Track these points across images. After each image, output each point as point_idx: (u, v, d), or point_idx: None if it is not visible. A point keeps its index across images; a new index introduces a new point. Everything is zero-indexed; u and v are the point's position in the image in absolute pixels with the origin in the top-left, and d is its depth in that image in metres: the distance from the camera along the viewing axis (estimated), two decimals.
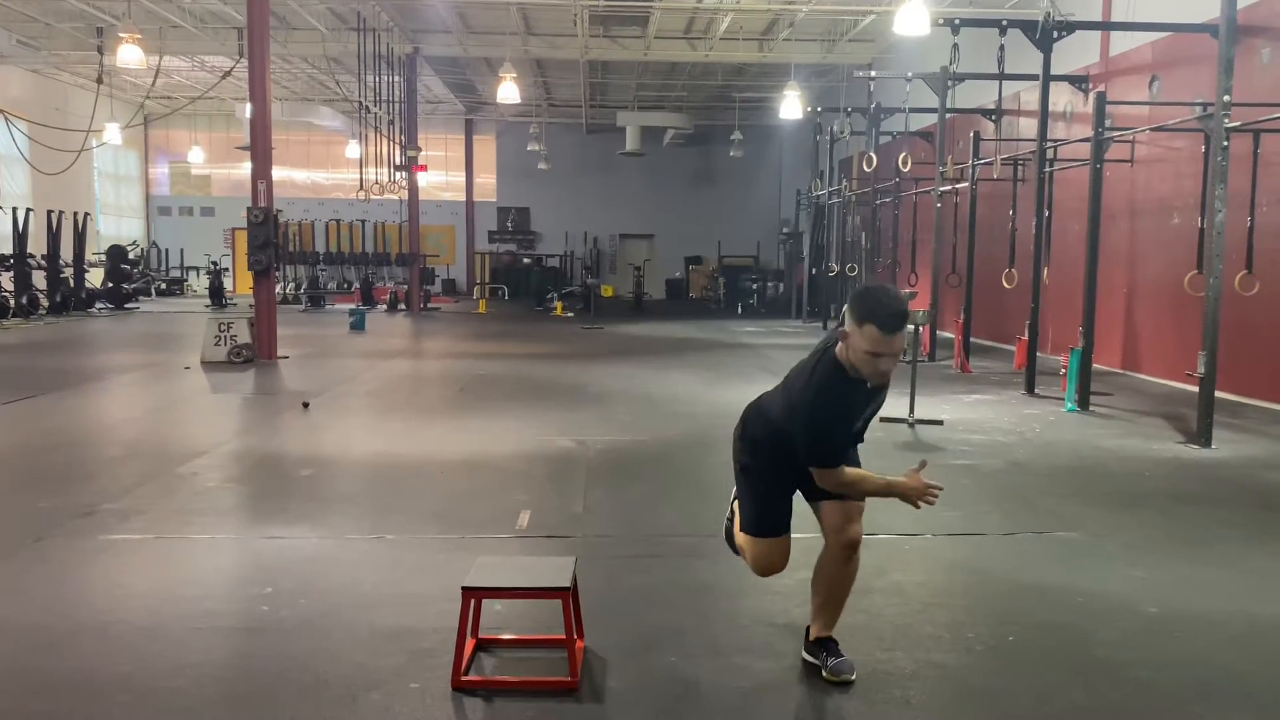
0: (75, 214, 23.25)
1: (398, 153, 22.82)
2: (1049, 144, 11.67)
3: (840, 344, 3.39)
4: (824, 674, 3.60)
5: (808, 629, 3.78)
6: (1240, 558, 5.23)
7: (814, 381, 3.42)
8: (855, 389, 3.43)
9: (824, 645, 3.67)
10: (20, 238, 21.13)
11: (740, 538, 3.85)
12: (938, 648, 3.93)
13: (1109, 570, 4.93)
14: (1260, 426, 9.16)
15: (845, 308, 3.39)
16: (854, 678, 3.57)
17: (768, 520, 3.72)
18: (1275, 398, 10.22)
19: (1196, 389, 8.40)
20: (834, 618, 3.72)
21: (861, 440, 3.78)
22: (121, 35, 16.97)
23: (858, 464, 3.65)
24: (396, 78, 22.77)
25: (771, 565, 3.75)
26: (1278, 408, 10.09)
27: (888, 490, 3.47)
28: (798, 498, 3.72)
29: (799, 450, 3.48)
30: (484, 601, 3.77)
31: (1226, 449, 8.03)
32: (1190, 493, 6.69)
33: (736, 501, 3.95)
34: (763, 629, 4.10)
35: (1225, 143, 8.14)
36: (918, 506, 3.47)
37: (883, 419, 9.04)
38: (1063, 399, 10.19)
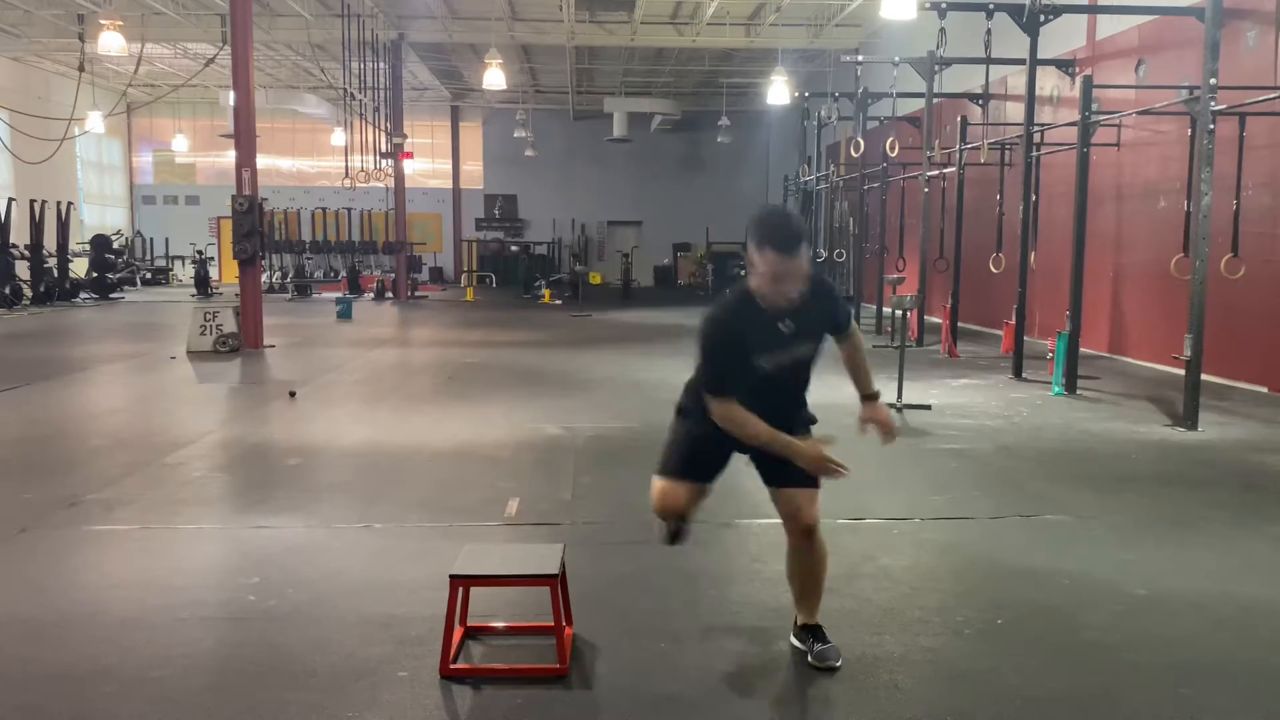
0: (59, 203, 23.09)
1: (383, 140, 22.71)
2: (1036, 128, 11.66)
3: (750, 274, 3.39)
4: (810, 660, 3.60)
5: (795, 615, 3.78)
6: (1227, 540, 5.26)
7: (716, 303, 3.45)
8: (758, 314, 3.37)
9: (810, 632, 3.67)
10: (3, 228, 20.99)
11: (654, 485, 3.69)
12: (926, 631, 3.93)
13: (1097, 553, 4.95)
14: (1246, 409, 9.20)
15: (746, 236, 3.34)
16: (839, 664, 3.57)
17: (676, 462, 3.61)
18: (1261, 380, 10.27)
19: (1183, 372, 8.42)
20: (814, 605, 3.71)
21: (798, 404, 3.62)
22: (103, 22, 16.84)
23: (787, 417, 3.48)
24: (382, 64, 22.63)
25: (672, 507, 3.59)
26: (1263, 390, 10.14)
27: (783, 448, 3.36)
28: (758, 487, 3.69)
29: (696, 370, 3.49)
30: (472, 589, 3.76)
31: (1213, 431, 8.06)
32: (1177, 475, 6.72)
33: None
34: (751, 615, 4.10)
35: (1211, 126, 8.14)
36: (815, 479, 3.45)
37: None
38: (1050, 383, 10.22)
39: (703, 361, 3.45)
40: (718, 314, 3.43)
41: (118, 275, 25.50)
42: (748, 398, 3.39)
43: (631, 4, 20.41)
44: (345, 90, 20.80)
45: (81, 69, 20.43)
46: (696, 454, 3.61)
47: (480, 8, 21.26)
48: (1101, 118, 10.71)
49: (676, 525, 3.61)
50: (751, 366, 3.40)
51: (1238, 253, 9.88)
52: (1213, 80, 8.10)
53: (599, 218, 34.31)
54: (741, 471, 3.70)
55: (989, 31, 12.23)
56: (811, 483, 3.54)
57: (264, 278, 19.73)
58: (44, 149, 19.13)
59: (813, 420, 3.66)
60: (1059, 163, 12.98)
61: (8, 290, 20.46)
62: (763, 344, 3.40)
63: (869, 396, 3.72)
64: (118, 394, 10.54)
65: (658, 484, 3.63)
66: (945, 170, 14.95)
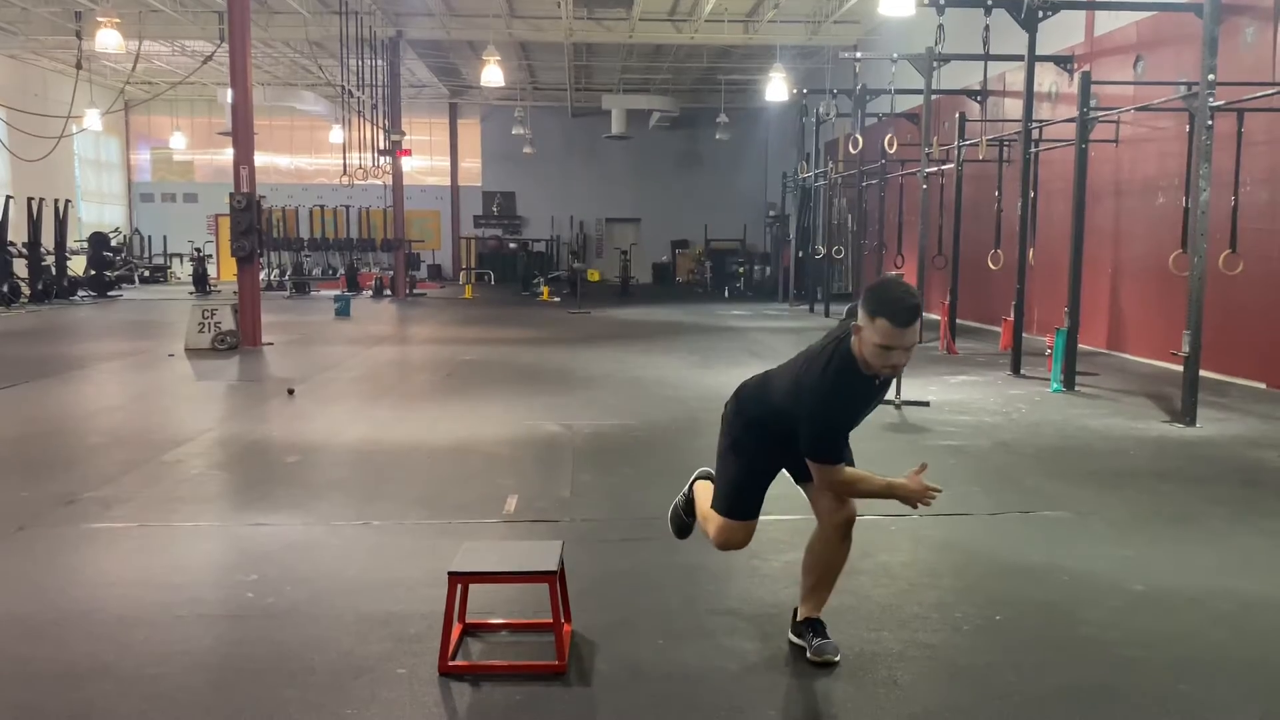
0: (56, 201, 23.06)
1: (381, 137, 22.68)
2: (1034, 124, 11.65)
3: (854, 337, 3.36)
4: (809, 655, 3.60)
5: (795, 610, 3.78)
6: (1226, 535, 5.26)
7: (830, 371, 3.37)
8: (865, 383, 3.41)
9: (810, 626, 3.68)
10: (1, 226, 20.94)
11: (708, 513, 3.81)
12: (925, 628, 3.93)
13: (1096, 549, 4.95)
14: (1244, 405, 9.21)
15: (859, 301, 3.37)
16: (838, 659, 3.57)
17: (745, 503, 3.70)
18: (1259, 376, 10.28)
19: (1181, 368, 8.42)
20: (823, 599, 3.72)
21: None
22: (100, 20, 16.80)
23: (852, 462, 3.62)
24: (380, 61, 22.62)
25: (735, 544, 3.76)
26: (1262, 386, 10.14)
27: (888, 492, 3.44)
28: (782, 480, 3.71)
29: (802, 439, 3.43)
30: (471, 586, 3.75)
31: (1211, 427, 8.06)
32: (1176, 471, 6.72)
33: (700, 482, 3.97)
34: (750, 611, 4.10)
35: (1209, 122, 8.14)
36: (915, 508, 3.47)
37: None
38: (1048, 379, 10.22)
39: (820, 433, 3.43)
40: (836, 391, 3.38)
41: (116, 273, 25.48)
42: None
43: (630, 1, 20.38)
44: (343, 87, 20.77)
45: (79, 66, 20.39)
46: (760, 488, 3.70)
47: (478, 5, 21.23)
48: (1100, 114, 10.72)
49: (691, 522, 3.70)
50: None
51: (1236, 248, 9.88)
52: (1211, 76, 8.10)
53: (597, 215, 34.30)
54: None
55: (987, 28, 12.21)
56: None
57: (262, 275, 19.74)
58: (42, 147, 19.10)
59: None
60: (1057, 159, 12.98)
61: (6, 288, 20.44)
62: (863, 409, 3.52)
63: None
64: (116, 392, 10.54)
65: (719, 521, 3.72)
66: (944, 167, 14.95)
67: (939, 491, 3.42)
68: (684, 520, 4.12)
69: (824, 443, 3.42)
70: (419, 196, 31.81)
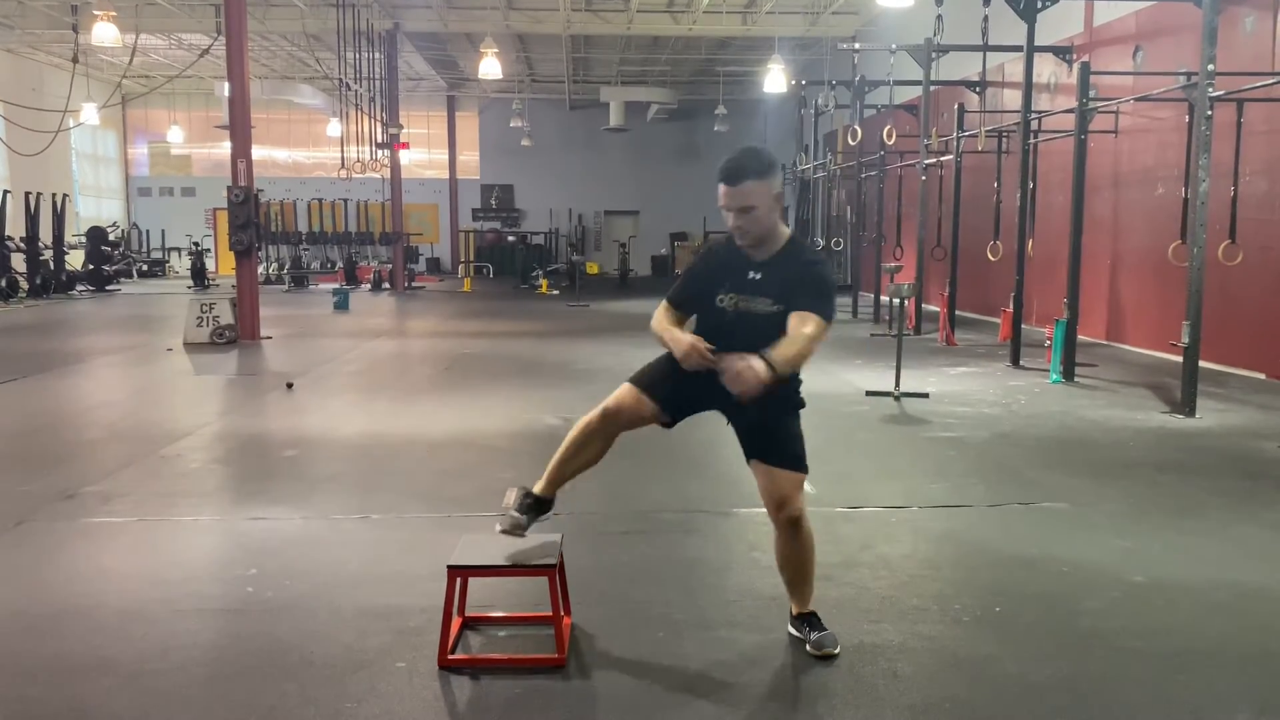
0: (54, 196, 23.00)
1: (379, 130, 22.64)
2: (1033, 115, 11.63)
3: None
4: (808, 648, 3.60)
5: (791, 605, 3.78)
6: (1225, 526, 5.26)
7: (709, 240, 3.67)
8: (736, 256, 3.56)
9: (806, 620, 3.68)
10: None
11: None
12: (925, 619, 3.93)
13: (1095, 540, 4.95)
14: (1244, 396, 9.21)
15: None
16: (838, 651, 3.57)
17: (648, 375, 3.67)
18: (1258, 367, 10.27)
19: (1180, 359, 8.42)
20: (806, 593, 3.71)
21: (750, 346, 3.25)
22: (96, 13, 16.73)
23: (687, 314, 3.63)
24: (377, 54, 22.57)
25: (613, 403, 3.67)
26: (1261, 377, 10.14)
27: (669, 340, 3.48)
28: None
29: None
30: (470, 579, 3.75)
31: (1211, 418, 8.06)
32: (1175, 462, 6.72)
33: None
34: (750, 603, 4.10)
35: (1209, 112, 8.12)
36: (795, 460, 3.51)
37: (869, 392, 9.05)
38: (1048, 370, 10.22)
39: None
40: (701, 252, 3.73)
41: (114, 267, 25.43)
42: (712, 338, 3.40)
43: None
44: (341, 81, 20.72)
45: (75, 60, 20.29)
46: (669, 375, 3.60)
47: None
48: (1099, 104, 10.69)
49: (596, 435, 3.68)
50: (714, 303, 3.55)
51: (1235, 239, 9.87)
52: (1211, 66, 8.07)
53: (596, 207, 34.24)
54: (739, 463, 3.69)
55: (986, 18, 12.21)
56: (792, 465, 3.53)
57: (260, 269, 19.70)
58: (38, 141, 19.05)
59: (801, 404, 3.64)
60: (1056, 150, 12.96)
61: (4, 283, 20.40)
62: (729, 284, 3.54)
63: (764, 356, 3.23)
64: (114, 386, 10.53)
65: (622, 387, 3.70)
66: (942, 158, 14.93)
67: (712, 360, 3.27)
68: None
69: (675, 282, 3.74)
70: (417, 190, 31.78)
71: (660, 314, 3.61)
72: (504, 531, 3.68)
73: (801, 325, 3.34)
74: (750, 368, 3.13)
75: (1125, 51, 12.95)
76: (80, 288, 23.53)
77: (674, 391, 3.61)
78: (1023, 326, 11.34)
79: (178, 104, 31.59)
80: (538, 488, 3.76)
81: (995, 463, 6.70)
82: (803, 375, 3.59)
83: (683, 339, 3.40)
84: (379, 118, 22.68)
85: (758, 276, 3.50)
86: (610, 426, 3.68)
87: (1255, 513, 5.49)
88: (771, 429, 3.56)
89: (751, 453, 3.59)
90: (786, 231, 3.58)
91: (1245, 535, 5.09)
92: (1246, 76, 9.46)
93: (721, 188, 3.43)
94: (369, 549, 4.87)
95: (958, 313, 14.11)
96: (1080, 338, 10.63)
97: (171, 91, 28.47)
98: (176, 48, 24.66)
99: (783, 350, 3.23)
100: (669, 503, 5.65)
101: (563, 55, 26.57)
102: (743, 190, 3.41)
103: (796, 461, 3.54)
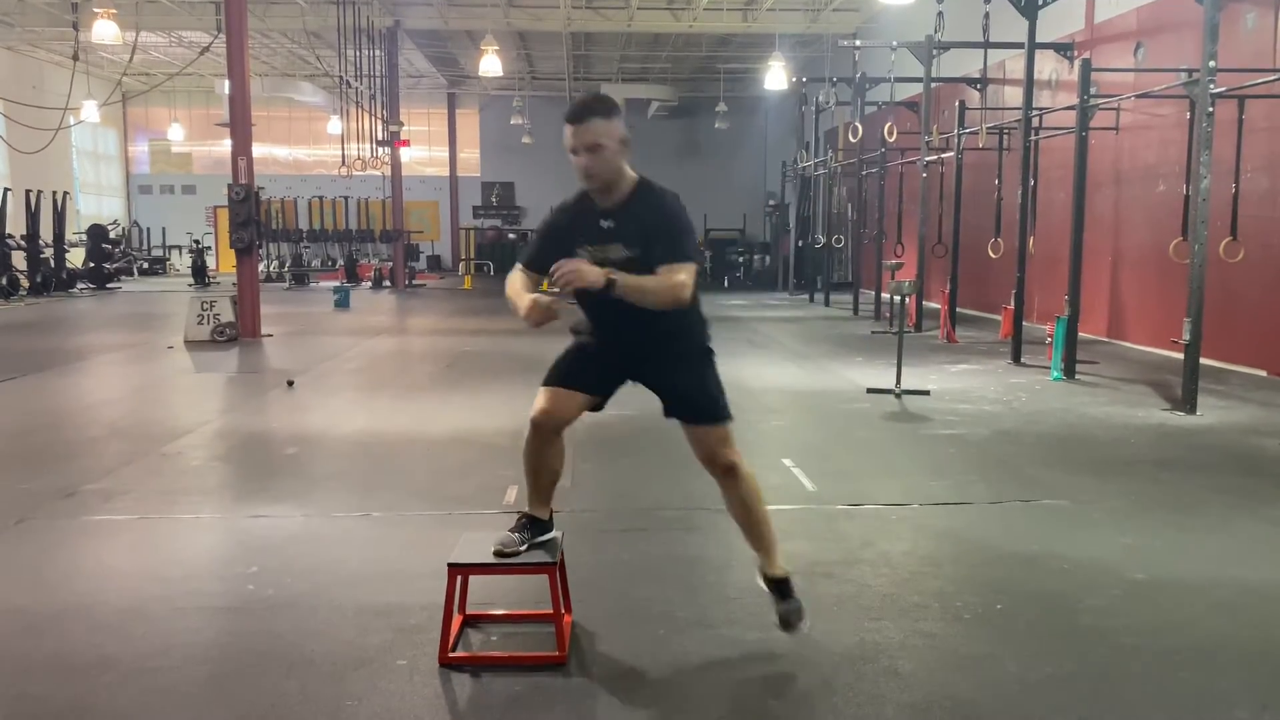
0: (54, 193, 23.00)
1: (380, 128, 22.63)
2: (1034, 112, 11.62)
3: None
4: (775, 621, 3.55)
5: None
6: (1226, 523, 5.25)
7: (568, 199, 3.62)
8: (582, 207, 3.52)
9: (776, 585, 3.59)
10: None
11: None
12: (926, 617, 3.93)
13: (1096, 537, 4.95)
14: (1245, 392, 9.20)
15: None
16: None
17: (556, 369, 3.67)
18: (1260, 364, 10.27)
19: (1181, 356, 8.41)
20: (768, 550, 3.62)
21: (655, 328, 3.49)
22: (97, 11, 16.74)
23: (542, 274, 3.47)
24: (378, 52, 22.56)
25: (534, 411, 3.63)
26: (1262, 374, 10.13)
27: (516, 304, 3.43)
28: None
29: None
30: (471, 577, 3.75)
31: (1212, 415, 8.06)
32: (1176, 459, 6.72)
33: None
34: (750, 601, 4.08)
35: (1210, 109, 8.11)
36: (717, 413, 3.52)
37: (870, 390, 9.05)
38: (1049, 368, 10.22)
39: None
40: (557, 207, 3.61)
41: (115, 265, 25.46)
42: (590, 309, 3.48)
43: None
44: (341, 78, 20.71)
45: (76, 58, 20.26)
46: (575, 361, 3.65)
47: None
48: (1100, 101, 10.68)
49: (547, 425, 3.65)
50: (574, 258, 3.39)
51: (1236, 236, 9.86)
52: (1212, 63, 8.06)
53: None
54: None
55: (987, 15, 12.21)
56: (711, 419, 3.54)
57: (261, 267, 19.69)
58: (39, 139, 19.04)
59: (709, 351, 3.62)
60: (1057, 147, 12.94)
61: (4, 281, 20.41)
62: (583, 236, 3.48)
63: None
64: (115, 384, 10.53)
65: (539, 392, 3.68)
66: (943, 155, 14.91)
67: (549, 317, 3.33)
68: None
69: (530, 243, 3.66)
70: (417, 187, 31.77)
71: (513, 278, 3.55)
72: (497, 553, 3.58)
73: (671, 276, 3.33)
74: (578, 269, 3.21)
75: (1126, 48, 12.93)
76: (81, 285, 23.55)
77: (585, 374, 3.64)
78: (1024, 323, 11.33)
79: (178, 101, 31.59)
80: (528, 507, 3.74)
81: (996, 460, 6.69)
82: (712, 332, 3.67)
83: (523, 300, 3.37)
84: (379, 115, 22.68)
85: (610, 225, 3.46)
86: (546, 433, 3.65)
87: (1256, 510, 5.48)
88: (684, 389, 3.58)
89: (670, 412, 3.62)
90: (634, 175, 3.50)
91: (1247, 532, 5.09)
92: (1248, 73, 9.44)
93: (568, 129, 3.36)
94: (370, 547, 4.87)
95: (959, 310, 14.10)
96: (1081, 335, 10.62)
97: (172, 89, 28.48)
98: (177, 45, 24.66)
99: (638, 279, 3.29)
100: (669, 500, 5.64)
101: (563, 52, 26.56)
102: (590, 128, 3.34)
103: (715, 415, 3.55)
